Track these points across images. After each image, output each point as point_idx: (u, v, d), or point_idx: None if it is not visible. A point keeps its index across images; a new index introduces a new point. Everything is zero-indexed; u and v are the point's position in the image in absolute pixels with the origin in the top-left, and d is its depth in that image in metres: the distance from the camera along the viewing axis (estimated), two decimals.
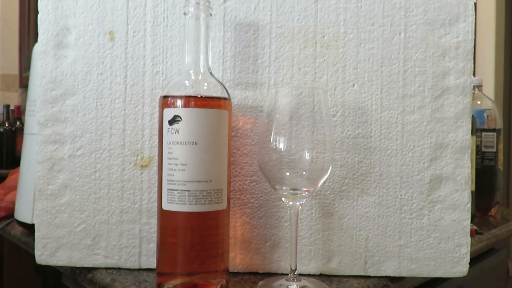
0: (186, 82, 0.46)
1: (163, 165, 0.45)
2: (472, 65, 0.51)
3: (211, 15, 0.47)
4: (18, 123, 2.03)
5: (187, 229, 0.45)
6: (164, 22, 0.52)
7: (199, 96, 0.45)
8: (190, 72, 0.46)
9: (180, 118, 0.43)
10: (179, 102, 0.44)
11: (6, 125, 2.01)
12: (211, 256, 0.46)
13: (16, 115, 2.06)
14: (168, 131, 0.44)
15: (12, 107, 2.08)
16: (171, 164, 0.44)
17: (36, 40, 0.54)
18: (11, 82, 2.75)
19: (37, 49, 0.54)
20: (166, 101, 0.45)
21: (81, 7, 0.53)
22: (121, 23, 0.52)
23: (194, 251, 0.45)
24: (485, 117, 0.96)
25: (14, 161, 1.98)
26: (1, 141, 2.00)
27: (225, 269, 0.47)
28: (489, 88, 1.92)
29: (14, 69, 2.74)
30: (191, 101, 0.44)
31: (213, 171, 0.44)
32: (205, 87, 0.46)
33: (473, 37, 0.51)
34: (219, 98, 0.46)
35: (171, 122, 0.44)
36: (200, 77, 0.46)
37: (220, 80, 0.50)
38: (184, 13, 0.46)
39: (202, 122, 0.43)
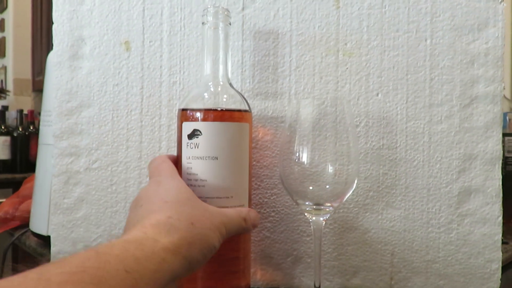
0: (205, 94, 0.45)
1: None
2: (503, 73, 0.48)
3: (230, 24, 0.46)
4: (31, 127, 2.04)
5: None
6: (181, 31, 0.51)
7: (219, 109, 0.44)
8: (209, 84, 0.45)
9: (200, 132, 0.42)
10: (198, 115, 0.43)
11: (20, 129, 2.02)
12: (231, 272, 0.44)
13: (30, 120, 2.07)
14: (187, 145, 0.42)
15: (25, 112, 2.09)
16: (191, 179, 0.42)
17: (48, 45, 0.54)
18: (24, 87, 2.77)
19: (52, 59, 0.53)
20: (185, 114, 0.43)
21: (96, 17, 0.51)
22: (137, 33, 0.51)
23: (214, 267, 0.43)
24: (507, 120, 0.93)
25: (28, 165, 1.99)
26: (15, 145, 2.01)
27: (246, 285, 0.45)
28: (507, 90, 1.88)
29: (27, 74, 2.76)
30: (210, 114, 0.43)
31: (234, 187, 0.43)
32: (224, 99, 0.45)
33: (503, 43, 0.48)
34: (239, 111, 0.44)
35: (191, 136, 0.42)
36: (219, 89, 0.45)
37: (239, 90, 0.49)
38: (203, 23, 0.45)
39: (222, 136, 0.42)
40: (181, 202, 0.37)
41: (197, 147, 0.42)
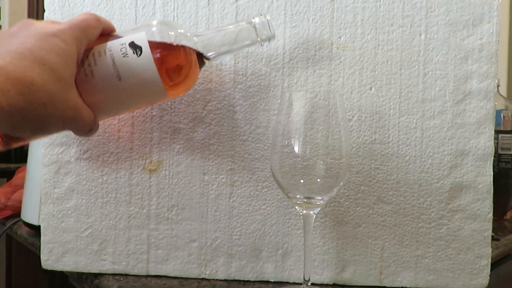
0: (172, 34, 0.42)
1: None
2: (496, 69, 0.48)
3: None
4: None
5: None
6: (174, 21, 0.50)
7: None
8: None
9: (140, 53, 0.39)
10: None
11: None
12: None
13: None
14: (121, 45, 0.39)
15: None
16: (89, 64, 0.38)
17: None
18: None
19: None
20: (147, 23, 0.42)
21: (88, 5, 0.51)
22: (129, 22, 0.51)
23: None
24: (502, 118, 0.93)
25: (22, 155, 1.98)
26: None
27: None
28: (503, 88, 1.88)
29: None
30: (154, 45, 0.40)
31: (103, 104, 0.40)
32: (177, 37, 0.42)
33: (498, 39, 0.48)
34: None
35: (132, 45, 0.39)
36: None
37: (231, 82, 0.49)
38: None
39: (144, 77, 0.39)
40: (54, 69, 0.32)
41: (124, 57, 0.38)
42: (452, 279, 0.49)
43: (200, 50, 0.43)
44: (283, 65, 0.50)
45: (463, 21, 0.48)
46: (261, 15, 0.44)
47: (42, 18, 0.50)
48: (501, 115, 0.93)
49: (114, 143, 0.51)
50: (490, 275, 0.49)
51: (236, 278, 0.51)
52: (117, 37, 0.40)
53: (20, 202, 0.73)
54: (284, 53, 0.50)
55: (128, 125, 0.51)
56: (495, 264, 0.78)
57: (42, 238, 0.52)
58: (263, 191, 0.50)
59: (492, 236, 0.75)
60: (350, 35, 0.49)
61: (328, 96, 0.44)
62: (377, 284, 0.50)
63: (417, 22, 0.49)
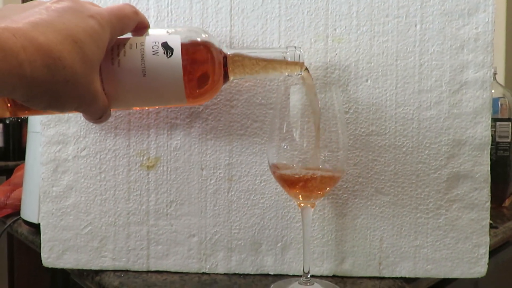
0: (204, 36, 0.42)
1: None
2: (492, 58, 0.48)
3: None
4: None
5: None
6: (168, 17, 0.50)
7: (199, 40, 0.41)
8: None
9: (171, 54, 0.38)
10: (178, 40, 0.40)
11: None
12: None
13: None
14: (154, 42, 0.39)
15: None
16: (117, 57, 0.38)
17: None
18: None
19: None
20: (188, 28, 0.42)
21: None
22: None
23: None
24: (499, 105, 0.93)
25: (21, 153, 1.98)
26: (8, 133, 2.00)
27: (16, 107, 0.38)
28: (500, 76, 1.88)
29: None
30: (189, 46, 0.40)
31: (121, 97, 0.39)
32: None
33: (494, 28, 0.48)
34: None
35: (165, 46, 0.39)
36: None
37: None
38: None
39: (170, 80, 0.39)
40: (85, 53, 0.32)
41: (154, 54, 0.38)
42: (451, 268, 0.50)
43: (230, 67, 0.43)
44: None
45: (458, 11, 0.48)
46: (295, 47, 0.44)
47: None
48: (499, 103, 0.93)
49: (111, 140, 0.51)
50: (488, 263, 0.50)
51: (236, 272, 0.51)
52: (151, 34, 0.40)
53: (20, 200, 0.73)
54: (279, 46, 0.50)
55: (125, 122, 0.51)
56: (494, 251, 0.79)
57: (42, 236, 0.52)
58: (261, 185, 0.50)
59: (491, 224, 0.76)
60: (345, 27, 0.49)
61: (324, 88, 0.44)
62: (377, 274, 0.50)
63: (412, 12, 0.49)
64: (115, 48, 0.38)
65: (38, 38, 0.29)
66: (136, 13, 0.39)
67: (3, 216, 0.82)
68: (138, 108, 0.45)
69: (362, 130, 0.49)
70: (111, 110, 0.40)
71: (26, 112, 0.38)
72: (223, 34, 0.50)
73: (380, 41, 0.49)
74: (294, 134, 0.43)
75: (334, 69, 0.49)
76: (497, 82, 0.95)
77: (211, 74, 0.42)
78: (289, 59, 0.43)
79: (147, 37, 0.39)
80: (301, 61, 0.44)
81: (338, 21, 0.49)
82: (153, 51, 0.38)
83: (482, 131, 0.49)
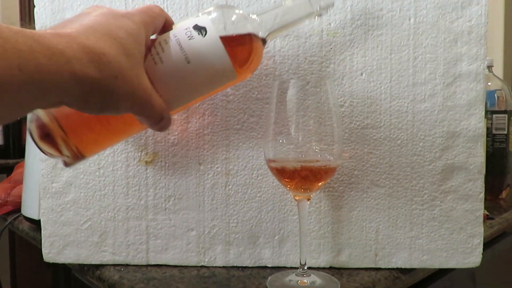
0: (238, 11, 0.42)
1: None
2: (486, 51, 0.48)
3: None
4: None
5: None
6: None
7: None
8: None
9: (205, 33, 0.39)
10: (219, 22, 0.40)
11: None
12: (84, 128, 0.39)
13: None
14: (186, 29, 0.39)
15: None
16: (156, 50, 0.38)
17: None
18: None
19: None
20: (214, 8, 0.41)
21: None
22: None
23: (76, 112, 0.36)
24: (496, 98, 0.93)
25: (21, 151, 1.98)
26: (8, 131, 2.00)
27: (80, 151, 0.39)
28: (499, 68, 1.88)
29: None
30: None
31: (171, 91, 0.39)
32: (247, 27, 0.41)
33: (487, 20, 0.48)
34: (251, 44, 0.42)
35: (197, 28, 0.39)
36: (251, 16, 0.43)
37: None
38: None
39: (213, 58, 0.39)
40: (127, 48, 0.33)
41: (189, 39, 0.38)
42: (446, 258, 0.50)
43: (263, 30, 0.43)
44: (274, 53, 0.50)
45: (451, 4, 0.49)
46: None
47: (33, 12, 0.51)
48: (495, 95, 0.93)
49: None
50: (484, 254, 0.50)
51: (235, 265, 0.52)
52: (180, 24, 0.40)
53: (20, 197, 0.74)
54: (274, 41, 0.50)
55: None
56: (491, 242, 0.80)
57: (42, 232, 0.53)
58: (258, 178, 0.51)
59: (487, 215, 0.77)
60: (340, 21, 0.49)
61: (319, 83, 0.45)
62: (373, 265, 0.51)
63: (406, 6, 0.49)
64: (153, 48, 0.38)
65: (79, 37, 0.30)
66: (162, 10, 0.40)
67: (4, 213, 0.83)
68: (195, 102, 0.44)
69: (357, 123, 0.50)
70: (172, 112, 0.40)
71: (84, 137, 0.39)
72: None
73: (375, 35, 0.49)
74: (290, 128, 0.44)
75: (329, 63, 0.50)
76: (494, 74, 0.95)
77: (248, 41, 0.42)
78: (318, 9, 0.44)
79: (177, 28, 0.39)
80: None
81: (332, 15, 0.49)
82: (188, 37, 0.38)
83: (476, 123, 0.49)
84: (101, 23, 0.32)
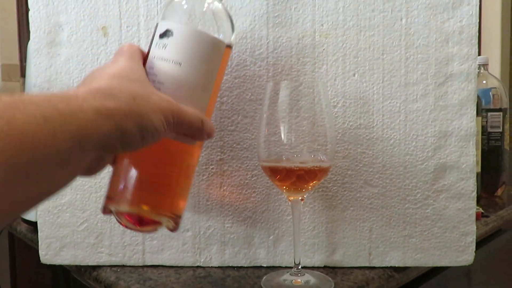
0: (191, 1, 0.42)
1: None
2: (477, 50, 0.49)
3: None
4: None
5: (146, 154, 0.38)
6: (158, 16, 0.51)
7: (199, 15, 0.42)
8: None
9: (172, 33, 0.39)
10: (176, 17, 0.41)
11: None
12: (166, 191, 0.41)
13: None
14: (156, 44, 0.39)
15: None
16: (149, 80, 0.38)
17: None
18: (12, 72, 2.74)
19: (30, 47, 0.53)
20: (164, 13, 0.42)
21: (72, 2, 0.51)
22: (114, 18, 0.51)
23: (149, 181, 0.40)
24: (491, 96, 0.94)
25: None
26: None
27: (176, 214, 0.41)
28: (495, 67, 1.88)
29: (15, 59, 2.73)
30: (189, 17, 0.41)
31: (190, 100, 0.39)
32: (210, 11, 0.42)
33: (478, 20, 0.49)
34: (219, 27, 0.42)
35: (162, 35, 0.39)
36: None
37: (232, 39, 0.48)
38: None
39: (193, 43, 0.39)
40: (130, 78, 0.34)
41: (165, 48, 0.39)
42: (439, 256, 0.51)
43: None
44: (267, 55, 0.50)
45: (443, 4, 0.49)
46: None
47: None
48: (490, 93, 0.94)
49: None
50: (479, 251, 0.51)
51: (230, 265, 0.52)
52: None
53: None
54: (268, 42, 0.50)
55: None
56: (486, 240, 0.80)
57: (39, 234, 0.53)
58: (252, 179, 0.51)
59: (482, 213, 0.77)
60: (332, 22, 0.50)
61: (312, 84, 0.45)
62: (367, 264, 0.51)
63: (398, 6, 0.49)
64: (147, 75, 0.38)
65: (82, 84, 0.33)
66: (131, 44, 0.40)
67: None
68: (215, 96, 0.44)
69: (350, 123, 0.50)
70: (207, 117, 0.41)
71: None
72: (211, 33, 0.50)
73: (367, 36, 0.50)
74: (283, 129, 0.44)
75: (322, 64, 0.50)
76: (489, 73, 0.96)
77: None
78: None
79: (150, 49, 0.40)
80: None
81: (325, 16, 0.50)
82: (163, 47, 0.39)
83: (467, 122, 0.50)
84: (98, 71, 0.35)
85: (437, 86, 0.49)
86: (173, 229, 0.41)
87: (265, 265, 0.52)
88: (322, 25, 0.50)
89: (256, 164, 0.51)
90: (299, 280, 0.46)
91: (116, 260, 0.53)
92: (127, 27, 0.51)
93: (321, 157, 0.45)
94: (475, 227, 0.50)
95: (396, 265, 0.51)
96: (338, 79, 0.50)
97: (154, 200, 0.40)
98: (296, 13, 0.50)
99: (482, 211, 0.78)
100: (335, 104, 0.50)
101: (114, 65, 0.35)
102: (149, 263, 0.53)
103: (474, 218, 0.50)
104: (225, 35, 0.42)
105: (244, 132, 0.51)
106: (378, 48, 0.50)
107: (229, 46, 0.43)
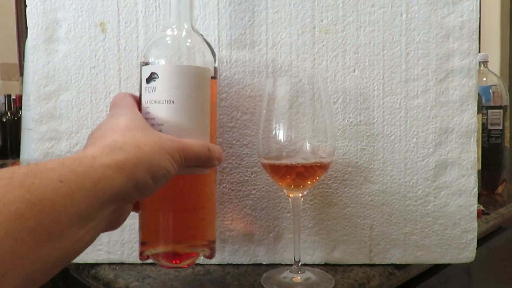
0: (168, 38, 0.43)
1: None
2: (478, 46, 0.49)
3: None
4: (20, 113, 2.03)
5: (168, 194, 0.41)
6: (157, 12, 0.50)
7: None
8: (173, 27, 0.43)
9: (157, 75, 0.40)
10: (156, 60, 0.42)
11: (8, 115, 2.00)
12: (195, 224, 0.43)
13: (18, 105, 2.05)
14: (146, 90, 0.41)
15: (13, 97, 2.07)
16: (149, 124, 0.40)
17: None
18: (11, 71, 2.73)
19: (28, 43, 0.53)
20: (145, 57, 0.43)
21: None
22: (112, 14, 0.51)
23: (176, 218, 0.42)
24: (491, 93, 0.94)
25: (18, 151, 1.97)
26: (4, 131, 2.00)
27: (210, 240, 0.44)
28: (495, 64, 1.88)
29: (14, 58, 2.72)
30: (168, 57, 0.42)
31: (192, 132, 0.41)
32: (188, 44, 0.43)
33: (478, 16, 0.48)
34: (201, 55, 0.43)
35: (148, 80, 0.41)
36: (184, 33, 0.43)
37: (216, 66, 0.49)
38: None
39: (179, 79, 0.40)
40: (130, 128, 0.35)
41: (154, 91, 0.40)
42: (440, 254, 0.51)
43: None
44: (267, 51, 0.50)
45: None
46: None
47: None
48: (491, 91, 0.94)
49: None
50: (480, 249, 0.51)
51: (230, 262, 0.52)
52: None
53: None
54: (267, 39, 0.50)
55: None
56: (486, 238, 0.80)
57: None
58: (252, 176, 0.51)
59: (483, 210, 0.77)
60: (332, 18, 0.50)
61: (312, 80, 0.45)
62: (367, 262, 0.51)
63: (398, 2, 0.49)
64: (145, 116, 0.40)
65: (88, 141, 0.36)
66: (125, 94, 0.43)
67: None
68: (214, 122, 0.45)
69: (351, 120, 0.50)
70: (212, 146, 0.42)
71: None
72: (211, 28, 0.50)
73: (367, 31, 0.49)
74: (282, 125, 0.44)
75: (322, 60, 0.50)
76: (489, 70, 0.95)
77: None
78: None
79: (141, 96, 0.42)
80: None
81: (324, 12, 0.49)
82: (151, 90, 0.41)
83: (468, 119, 0.49)
84: (101, 125, 0.37)
85: (438, 82, 0.49)
86: (210, 256, 0.44)
87: (265, 263, 0.52)
88: (321, 20, 0.50)
89: (256, 161, 0.51)
90: (299, 277, 0.46)
91: (114, 257, 0.52)
92: (125, 23, 0.51)
93: (321, 154, 0.44)
94: (477, 224, 0.50)
95: (397, 263, 0.51)
96: (338, 75, 0.50)
97: (185, 234, 0.42)
98: (295, 9, 0.50)
99: (483, 208, 0.77)
100: (335, 100, 0.50)
101: (113, 119, 0.37)
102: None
103: (475, 215, 0.50)
104: (206, 62, 0.43)
105: (244, 129, 0.51)
106: (378, 44, 0.49)
107: (214, 71, 0.44)
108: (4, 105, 2.04)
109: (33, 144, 0.52)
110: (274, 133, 0.44)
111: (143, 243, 0.43)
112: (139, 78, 0.43)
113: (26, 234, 0.24)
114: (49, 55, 0.51)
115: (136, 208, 0.42)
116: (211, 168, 0.43)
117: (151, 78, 0.41)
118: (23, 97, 0.67)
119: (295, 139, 0.44)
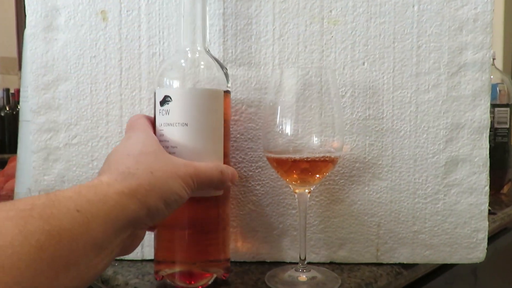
0: (182, 61, 0.43)
1: None
2: (491, 39, 0.47)
3: None
4: (19, 107, 2.01)
5: (183, 216, 0.42)
6: (159, 0, 0.49)
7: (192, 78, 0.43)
8: (187, 50, 0.43)
9: (170, 98, 0.41)
10: (170, 82, 0.42)
11: (7, 109, 1.98)
12: (209, 244, 0.44)
13: (17, 99, 2.03)
14: (159, 112, 0.41)
15: (12, 91, 2.05)
16: (163, 146, 0.41)
17: None
18: (10, 65, 2.71)
19: (26, 31, 0.51)
20: (159, 80, 0.43)
21: None
22: (113, 2, 0.49)
23: (191, 239, 0.43)
24: (498, 91, 0.92)
25: (16, 145, 1.96)
26: (2, 125, 1.98)
27: (225, 259, 0.45)
28: (499, 61, 1.87)
29: (13, 52, 2.70)
30: (182, 81, 0.42)
31: (205, 154, 0.41)
32: (202, 66, 0.43)
33: (493, 8, 0.47)
34: (214, 78, 0.43)
35: (162, 103, 0.41)
36: (197, 55, 0.43)
37: (221, 60, 0.47)
38: None
39: (192, 102, 0.40)
40: (144, 153, 0.36)
41: (168, 114, 0.41)
42: (449, 253, 0.49)
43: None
44: (273, 42, 0.48)
45: None
46: None
47: None
48: (497, 89, 0.92)
49: (103, 128, 0.50)
50: (487, 249, 0.49)
51: (233, 260, 0.50)
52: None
53: (13, 191, 0.72)
54: (274, 29, 0.48)
55: (117, 109, 0.50)
56: (492, 238, 0.79)
57: None
58: (256, 171, 0.50)
59: (489, 210, 0.75)
60: (341, 9, 0.48)
61: (320, 72, 0.43)
62: (374, 261, 0.50)
63: None
64: (159, 138, 0.41)
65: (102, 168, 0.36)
66: (139, 116, 0.43)
67: None
68: (227, 143, 0.45)
69: (359, 114, 0.48)
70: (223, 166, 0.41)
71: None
72: (216, 17, 0.48)
73: (377, 23, 0.48)
74: (289, 119, 0.42)
75: (330, 52, 0.48)
76: (496, 67, 0.94)
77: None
78: None
79: (156, 118, 0.42)
80: None
81: (333, 2, 0.48)
82: (165, 112, 0.41)
83: (481, 114, 0.48)
84: (115, 151, 0.37)
85: (450, 76, 0.48)
86: (224, 276, 0.44)
87: (268, 261, 0.50)
88: (330, 11, 0.48)
89: (261, 155, 0.49)
90: (304, 276, 0.45)
91: None
92: (127, 11, 0.49)
93: (329, 148, 0.43)
94: (487, 223, 0.49)
95: (405, 262, 0.49)
96: (346, 67, 0.48)
97: (200, 254, 0.43)
98: None
99: (489, 208, 0.76)
100: (344, 93, 0.48)
101: (128, 143, 0.38)
102: (148, 257, 0.51)
103: (486, 213, 0.49)
104: (220, 83, 0.43)
105: (248, 122, 0.49)
106: (388, 36, 0.48)
107: (227, 92, 0.44)
108: (2, 99, 2.02)
109: (30, 135, 0.50)
110: (280, 126, 0.43)
111: (158, 263, 0.44)
112: (153, 100, 0.43)
113: (45, 264, 0.25)
114: (48, 43, 0.50)
115: (151, 228, 0.42)
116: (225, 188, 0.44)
117: (164, 101, 0.41)
118: (21, 89, 0.65)
119: (302, 133, 0.43)
